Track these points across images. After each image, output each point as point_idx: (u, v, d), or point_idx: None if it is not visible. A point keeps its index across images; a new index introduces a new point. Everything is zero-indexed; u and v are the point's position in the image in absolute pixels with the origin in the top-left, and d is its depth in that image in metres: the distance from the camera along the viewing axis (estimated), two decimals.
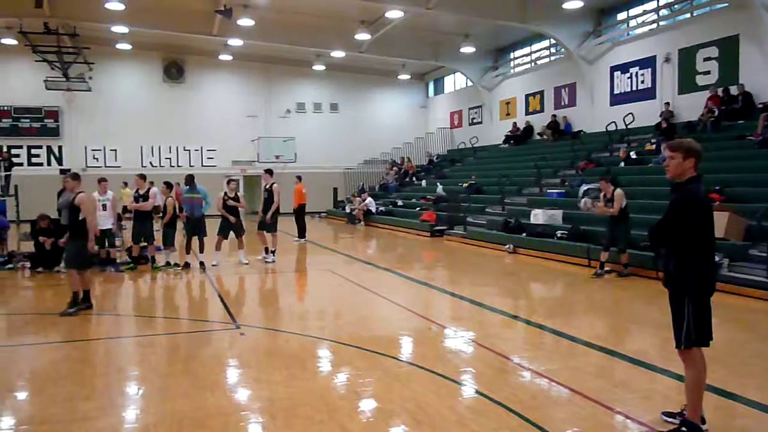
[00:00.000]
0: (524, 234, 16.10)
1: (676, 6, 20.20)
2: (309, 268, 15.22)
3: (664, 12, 20.70)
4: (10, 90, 28.38)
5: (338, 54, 28.31)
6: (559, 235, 14.93)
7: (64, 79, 24.83)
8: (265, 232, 14.78)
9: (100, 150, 29.69)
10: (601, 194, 12.27)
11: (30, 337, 8.13)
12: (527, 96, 26.83)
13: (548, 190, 18.91)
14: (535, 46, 26.92)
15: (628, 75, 21.25)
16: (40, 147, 29.18)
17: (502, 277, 13.35)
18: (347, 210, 27.47)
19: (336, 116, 33.55)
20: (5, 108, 28.48)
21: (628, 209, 11.98)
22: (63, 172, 27.55)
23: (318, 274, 14.07)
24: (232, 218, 13.72)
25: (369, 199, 26.40)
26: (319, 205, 30.01)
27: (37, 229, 13.57)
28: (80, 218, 9.09)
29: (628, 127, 20.37)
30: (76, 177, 9.38)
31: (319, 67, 31.09)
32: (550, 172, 20.45)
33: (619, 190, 11.91)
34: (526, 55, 27.74)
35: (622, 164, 18.36)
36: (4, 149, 26.55)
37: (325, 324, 8.93)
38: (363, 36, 24.88)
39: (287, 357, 6.92)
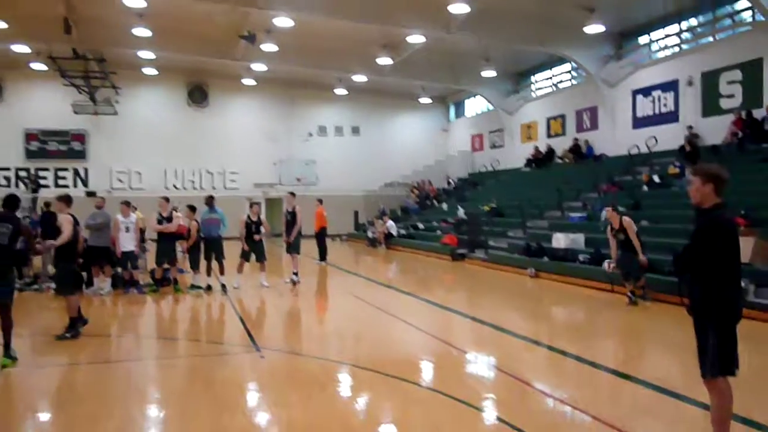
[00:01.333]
0: (546, 258, 15.98)
1: (698, 29, 20.14)
2: (330, 291, 15.22)
3: (686, 35, 20.63)
4: (38, 114, 29.00)
5: (360, 78, 28.56)
6: (581, 259, 14.78)
7: (92, 103, 25.36)
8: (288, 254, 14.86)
9: (124, 172, 30.12)
10: (609, 227, 11.99)
11: (53, 358, 8.20)
12: (548, 119, 26.80)
13: (570, 214, 18.78)
14: (556, 70, 26.92)
15: (650, 98, 21.15)
16: (67, 169, 29.70)
17: (524, 301, 13.24)
18: (369, 234, 27.49)
19: (357, 139, 33.76)
20: (34, 131, 29.08)
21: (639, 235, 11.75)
22: (89, 194, 28.03)
23: (338, 296, 14.06)
24: (257, 236, 13.84)
25: (390, 222, 26.42)
26: (341, 227, 30.08)
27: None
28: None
29: (651, 150, 20.24)
30: (62, 199, 9.26)
31: (340, 91, 31.37)
32: (571, 195, 20.32)
33: (627, 218, 11.57)
34: (547, 79, 27.76)
35: (645, 188, 18.20)
36: (32, 171, 27.12)
37: (345, 347, 8.91)
38: (384, 60, 25.09)
39: (307, 380, 6.90)
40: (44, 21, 21.36)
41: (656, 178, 18.18)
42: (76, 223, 9.13)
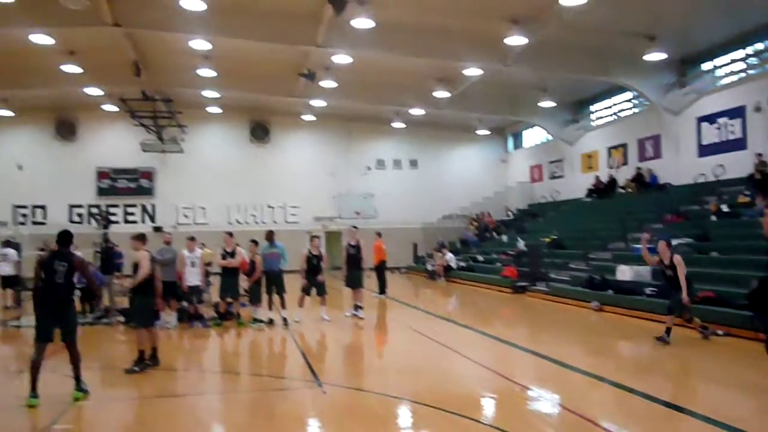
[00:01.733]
0: (610, 291, 15.58)
1: (765, 54, 19.57)
2: (389, 325, 15.20)
3: (752, 60, 20.08)
4: (109, 153, 30.43)
5: (417, 111, 28.81)
6: (648, 292, 14.34)
7: (159, 142, 26.34)
8: (351, 288, 14.95)
9: (190, 208, 31.03)
10: (657, 257, 11.47)
11: (123, 391, 8.44)
12: (609, 149, 26.35)
13: (634, 245, 18.30)
14: (616, 98, 26.54)
15: (716, 125, 20.59)
16: (135, 206, 30.85)
17: (588, 335, 12.92)
18: (428, 266, 27.40)
19: (415, 172, 33.93)
20: (105, 169, 30.41)
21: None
22: (156, 229, 28.96)
23: (398, 330, 14.03)
24: (321, 277, 14.02)
25: (449, 255, 26.30)
26: (400, 260, 30.09)
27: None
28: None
29: (718, 179, 19.65)
30: (138, 237, 9.73)
31: (398, 125, 31.69)
32: (635, 226, 19.84)
33: (678, 257, 11.06)
34: (607, 108, 27.38)
35: (714, 218, 17.64)
36: (103, 208, 28.25)
37: (405, 382, 8.85)
38: (441, 93, 25.28)
39: (368, 416, 6.89)
40: (116, 66, 22.50)
41: (725, 208, 17.61)
42: (152, 259, 9.48)
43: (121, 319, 14.11)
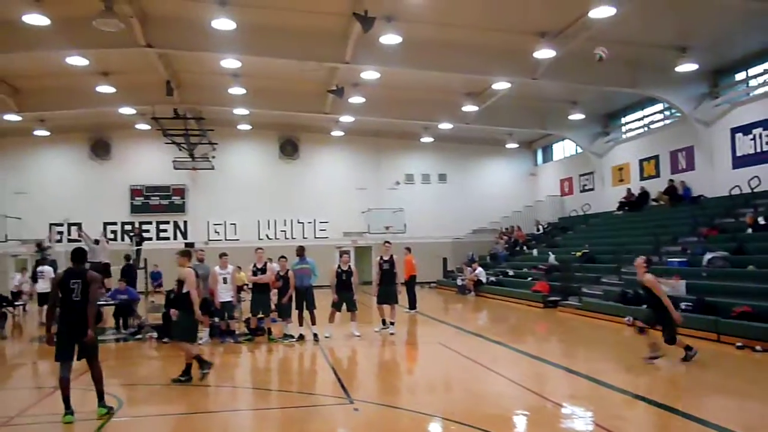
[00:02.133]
0: (644, 306, 15.29)
1: None
2: (420, 341, 15.14)
3: None
4: (143, 170, 30.94)
5: (445, 126, 28.82)
6: (683, 307, 14.06)
7: (191, 159, 26.77)
8: (384, 305, 14.91)
9: (221, 224, 31.34)
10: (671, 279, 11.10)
11: (153, 407, 8.53)
12: (641, 161, 26.04)
13: (668, 259, 18.02)
14: (648, 110, 26.25)
15: (750, 136, 20.22)
16: (168, 222, 31.27)
17: (622, 351, 12.71)
18: (458, 281, 27.26)
19: (444, 186, 33.88)
20: (138, 187, 30.93)
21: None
22: (188, 245, 29.28)
23: (429, 346, 13.95)
24: (355, 297, 14.06)
25: (479, 269, 26.14)
26: (429, 275, 29.98)
27: (171, 298, 14.35)
28: (185, 291, 9.66)
29: (754, 190, 19.28)
30: (184, 254, 10.15)
31: (426, 139, 31.72)
32: (668, 239, 19.54)
33: (649, 276, 10.70)
34: (638, 120, 27.08)
35: (750, 230, 17.29)
36: (137, 225, 28.72)
37: (437, 400, 8.81)
38: (470, 108, 25.26)
39: None
40: (148, 85, 22.95)
41: (761, 220, 17.25)
42: (196, 275, 9.80)
43: (155, 334, 14.27)
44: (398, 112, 27.31)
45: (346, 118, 28.03)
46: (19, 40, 17.66)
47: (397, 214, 31.91)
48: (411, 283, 19.73)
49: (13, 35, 17.48)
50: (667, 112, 25.00)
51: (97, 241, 18.82)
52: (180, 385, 9.29)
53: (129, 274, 18.33)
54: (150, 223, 30.77)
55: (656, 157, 25.08)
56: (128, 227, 29.83)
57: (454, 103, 25.50)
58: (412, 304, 19.42)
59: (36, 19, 15.57)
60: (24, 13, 15.46)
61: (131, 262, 18.80)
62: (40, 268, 18.41)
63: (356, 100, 24.18)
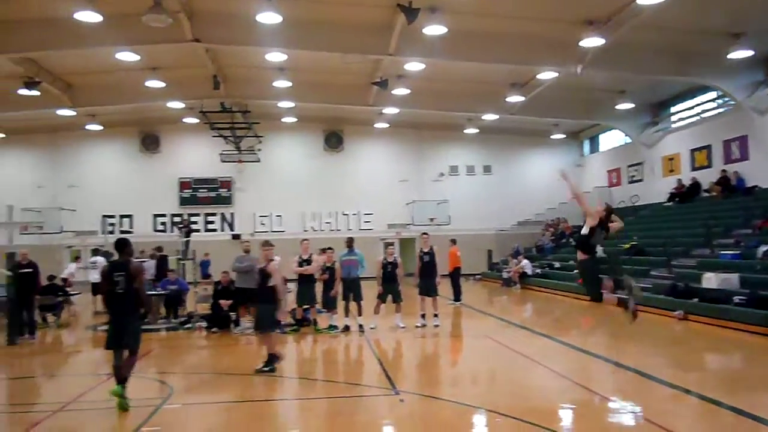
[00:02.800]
0: (696, 299, 14.96)
1: None
2: (465, 333, 15.08)
3: None
4: (191, 163, 31.63)
5: (490, 117, 28.58)
6: (736, 300, 13.71)
7: (237, 152, 27.22)
8: (426, 296, 14.85)
9: (266, 216, 31.77)
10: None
11: (204, 395, 8.73)
12: (692, 151, 25.37)
13: (720, 252, 17.55)
14: (699, 98, 25.52)
15: None
16: (215, 214, 31.85)
17: (671, 345, 12.47)
18: (503, 273, 27.06)
19: (489, 178, 33.67)
20: (187, 179, 31.57)
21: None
22: (235, 237, 29.83)
23: (474, 338, 13.90)
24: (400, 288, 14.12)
25: (525, 261, 25.90)
26: (474, 267, 29.81)
27: (219, 289, 14.67)
28: (270, 284, 9.85)
29: None
30: (269, 245, 10.34)
31: (470, 130, 31.51)
32: (721, 231, 19.03)
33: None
34: (689, 109, 26.37)
35: None
36: (185, 217, 29.36)
37: (482, 392, 8.80)
38: (515, 98, 24.99)
39: (444, 426, 6.89)
40: (196, 79, 23.37)
41: None
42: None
43: (204, 324, 14.56)
44: (442, 103, 27.16)
45: (390, 110, 28.04)
46: (72, 37, 18.16)
47: (441, 205, 31.87)
48: (455, 275, 19.68)
49: (66, 33, 17.97)
50: (719, 101, 24.28)
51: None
52: (264, 375, 9.46)
53: (162, 266, 18.70)
54: (198, 215, 31.41)
55: (708, 147, 24.40)
56: (177, 219, 30.52)
57: (499, 93, 25.24)
58: (457, 296, 19.37)
59: (88, 15, 15.97)
60: (76, 11, 15.87)
61: (163, 254, 19.37)
62: (92, 259, 18.97)
63: (400, 91, 24.16)
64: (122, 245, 7.96)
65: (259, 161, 28.25)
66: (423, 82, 24.21)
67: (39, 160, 31.29)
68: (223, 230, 31.49)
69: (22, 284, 13.67)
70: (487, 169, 33.79)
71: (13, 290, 13.62)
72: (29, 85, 21.03)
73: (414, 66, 21.63)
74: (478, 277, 30.55)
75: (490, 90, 25.59)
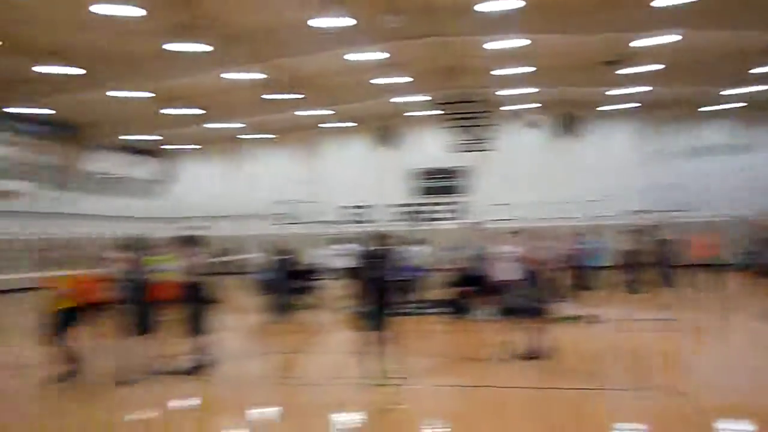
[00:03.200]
0: None
1: None
2: (709, 325, 13.66)
3: None
4: (426, 154, 32.90)
5: (734, 91, 26.20)
6: None
7: (472, 142, 27.72)
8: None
9: (502, 205, 31.64)
10: None
11: (449, 378, 9.11)
12: None
13: None
14: None
15: None
16: (450, 203, 32.55)
17: None
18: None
19: (744, 158, 30.23)
20: (422, 170, 33.06)
21: None
22: (470, 225, 30.21)
23: (725, 330, 12.58)
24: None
25: None
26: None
27: (459, 276, 14.99)
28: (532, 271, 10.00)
29: None
30: (521, 232, 10.72)
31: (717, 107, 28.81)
32: None
33: None
34: None
35: None
36: (418, 207, 30.54)
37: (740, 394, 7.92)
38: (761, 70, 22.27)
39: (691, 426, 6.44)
40: (431, 73, 24.11)
41: None
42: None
43: (446, 310, 14.85)
44: (689, 79, 25.16)
45: (626, 90, 26.76)
46: (312, 41, 19.45)
47: (682, 191, 29.27)
48: (702, 265, 17.89)
49: (308, 38, 19.22)
50: None
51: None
52: (527, 361, 9.45)
53: (395, 254, 19.36)
54: (433, 204, 32.42)
55: None
56: (410, 209, 31.81)
57: (745, 66, 22.83)
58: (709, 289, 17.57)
59: (334, 22, 16.96)
60: (323, 16, 16.75)
61: (398, 241, 20.17)
62: (346, 246, 20.42)
63: (635, 70, 22.95)
64: (378, 237, 9.10)
65: (493, 150, 28.43)
66: (666, 58, 22.48)
67: (291, 157, 34.67)
68: (457, 219, 32.15)
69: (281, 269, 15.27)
70: (734, 149, 30.57)
71: (274, 274, 15.24)
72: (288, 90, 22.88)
73: (650, 41, 20.20)
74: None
75: (738, 62, 22.97)
